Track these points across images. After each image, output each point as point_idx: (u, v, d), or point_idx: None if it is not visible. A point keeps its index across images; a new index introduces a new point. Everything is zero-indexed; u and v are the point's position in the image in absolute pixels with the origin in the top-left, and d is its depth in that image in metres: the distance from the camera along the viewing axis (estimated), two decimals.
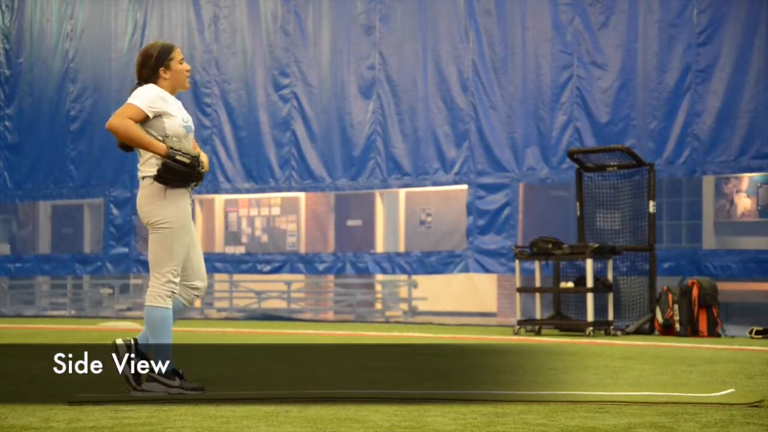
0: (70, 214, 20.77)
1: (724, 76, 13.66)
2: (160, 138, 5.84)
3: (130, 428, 4.64)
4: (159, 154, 5.79)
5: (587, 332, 12.46)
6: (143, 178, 5.88)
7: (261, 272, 17.28)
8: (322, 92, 16.65)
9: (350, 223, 18.98)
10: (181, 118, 5.91)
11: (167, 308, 5.86)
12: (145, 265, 18.12)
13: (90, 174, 18.33)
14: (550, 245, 13.00)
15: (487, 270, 15.46)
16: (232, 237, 19.89)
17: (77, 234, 20.86)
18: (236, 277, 18.28)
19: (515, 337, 12.46)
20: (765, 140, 13.46)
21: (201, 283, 6.01)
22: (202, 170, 5.88)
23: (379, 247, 18.52)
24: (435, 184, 15.89)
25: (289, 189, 17.11)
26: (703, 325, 12.44)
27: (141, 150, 5.87)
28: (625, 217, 13.52)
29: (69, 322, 16.27)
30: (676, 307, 12.60)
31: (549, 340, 12.02)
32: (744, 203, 16.20)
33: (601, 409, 5.31)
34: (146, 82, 5.99)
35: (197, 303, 19.15)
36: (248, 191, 17.40)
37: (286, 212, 19.51)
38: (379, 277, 17.91)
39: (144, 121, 5.85)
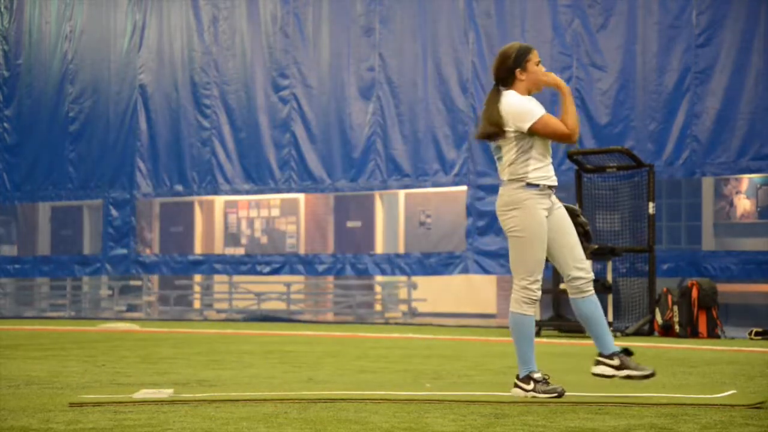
0: (70, 216, 20.77)
1: (723, 78, 13.66)
2: (531, 147, 5.79)
3: (130, 430, 4.64)
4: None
5: (587, 334, 12.44)
6: (505, 181, 5.83)
7: (260, 273, 17.28)
8: (322, 94, 16.66)
9: (350, 224, 18.99)
10: None
11: (524, 314, 5.74)
12: (143, 266, 18.13)
13: (89, 175, 18.32)
14: None
15: (486, 271, 15.46)
16: (232, 238, 19.90)
17: (76, 235, 20.87)
18: (236, 278, 18.28)
19: None
20: (764, 141, 13.46)
21: (577, 272, 5.81)
22: None
23: (379, 248, 18.53)
24: (434, 185, 15.90)
25: (289, 190, 17.11)
26: (702, 327, 12.44)
27: (503, 154, 5.82)
28: (624, 219, 13.52)
29: (68, 324, 16.28)
30: (675, 308, 12.60)
31: (548, 341, 12.01)
32: (743, 204, 16.21)
33: (600, 410, 5.31)
34: (503, 83, 5.89)
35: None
36: (248, 192, 17.39)
37: (286, 213, 19.51)
38: (379, 278, 17.92)
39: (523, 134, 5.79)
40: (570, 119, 5.90)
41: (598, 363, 5.86)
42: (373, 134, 16.18)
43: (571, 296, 5.90)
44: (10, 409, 5.33)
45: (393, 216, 18.75)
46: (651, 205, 13.11)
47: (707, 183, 16.17)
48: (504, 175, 5.83)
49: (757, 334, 12.27)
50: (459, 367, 8.19)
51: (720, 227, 16.27)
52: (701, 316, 12.46)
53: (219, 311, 18.97)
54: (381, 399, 5.70)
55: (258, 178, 17.04)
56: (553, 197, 5.90)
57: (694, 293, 12.48)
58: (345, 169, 16.42)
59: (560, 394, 5.68)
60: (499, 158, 5.88)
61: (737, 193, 16.25)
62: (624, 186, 13.54)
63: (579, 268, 5.82)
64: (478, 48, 15.39)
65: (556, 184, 5.89)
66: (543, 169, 5.83)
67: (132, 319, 17.59)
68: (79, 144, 18.38)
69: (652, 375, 5.75)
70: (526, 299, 5.75)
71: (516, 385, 5.80)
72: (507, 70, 5.85)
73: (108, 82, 18.26)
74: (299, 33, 16.88)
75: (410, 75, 15.98)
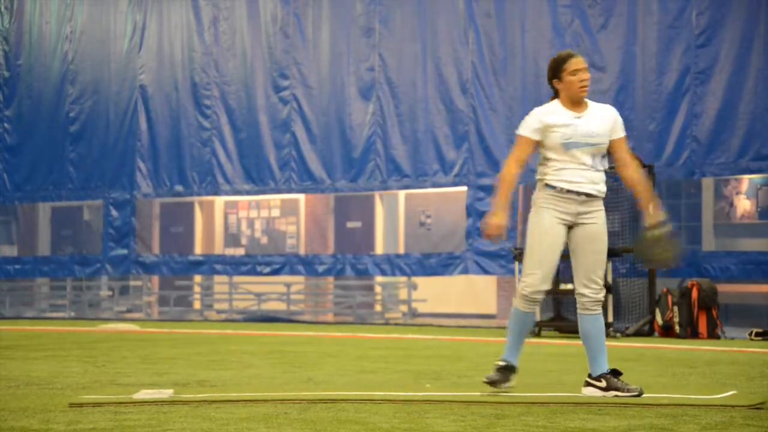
0: (70, 216, 20.77)
1: (723, 78, 13.66)
2: (548, 157, 5.93)
3: (130, 430, 4.64)
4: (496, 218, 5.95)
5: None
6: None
7: (260, 274, 17.28)
8: (322, 94, 16.66)
9: (350, 224, 18.99)
10: (562, 134, 5.93)
11: (516, 308, 5.97)
12: (143, 266, 18.13)
13: (89, 176, 18.32)
14: None
15: (486, 272, 15.46)
16: (232, 239, 19.90)
17: (76, 235, 20.86)
18: (236, 278, 18.28)
19: None
20: (764, 142, 13.46)
21: (584, 289, 5.94)
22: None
23: (379, 248, 18.53)
24: (434, 185, 15.89)
25: (289, 191, 17.11)
26: (702, 327, 12.44)
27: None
28: (624, 219, 13.52)
29: (68, 324, 16.28)
30: (675, 308, 12.60)
31: (549, 341, 12.01)
32: (743, 205, 16.20)
33: (600, 410, 5.32)
34: (554, 94, 6.15)
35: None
36: (248, 193, 17.40)
37: (286, 214, 19.51)
38: (379, 278, 17.91)
39: (539, 143, 5.98)
40: (502, 174, 6.05)
41: (588, 384, 5.98)
42: (373, 134, 16.18)
43: (578, 310, 6.03)
44: (11, 410, 5.33)
45: (393, 216, 18.75)
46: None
47: (707, 183, 16.16)
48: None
49: (757, 334, 12.27)
50: (459, 368, 8.19)
51: (720, 228, 16.26)
52: (701, 317, 12.47)
53: (219, 312, 18.97)
54: (381, 399, 5.70)
55: (258, 178, 17.05)
56: (593, 209, 5.95)
57: (694, 294, 12.48)
58: (345, 170, 16.41)
59: (492, 383, 5.96)
60: None
61: (737, 193, 16.25)
62: (624, 186, 13.52)
63: (587, 286, 5.93)
64: (477, 48, 15.39)
65: (584, 190, 5.92)
66: (566, 173, 5.92)
67: (132, 320, 17.59)
68: (79, 144, 18.38)
69: (639, 394, 5.83)
70: (519, 294, 5.98)
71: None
72: (549, 83, 6.13)
73: (108, 82, 18.26)
74: (299, 33, 16.88)
75: (410, 75, 15.98)
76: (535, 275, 5.90)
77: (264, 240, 19.68)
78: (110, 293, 19.90)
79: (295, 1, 16.91)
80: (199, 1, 17.68)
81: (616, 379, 5.89)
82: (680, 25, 13.97)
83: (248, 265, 17.47)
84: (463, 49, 15.53)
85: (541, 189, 5.95)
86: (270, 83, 17.03)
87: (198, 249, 19.70)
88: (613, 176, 13.45)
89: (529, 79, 15.05)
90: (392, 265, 16.28)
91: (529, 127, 5.98)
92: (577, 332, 13.19)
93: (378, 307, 18.37)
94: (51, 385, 6.63)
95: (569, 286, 13.16)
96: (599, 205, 5.98)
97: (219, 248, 19.71)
